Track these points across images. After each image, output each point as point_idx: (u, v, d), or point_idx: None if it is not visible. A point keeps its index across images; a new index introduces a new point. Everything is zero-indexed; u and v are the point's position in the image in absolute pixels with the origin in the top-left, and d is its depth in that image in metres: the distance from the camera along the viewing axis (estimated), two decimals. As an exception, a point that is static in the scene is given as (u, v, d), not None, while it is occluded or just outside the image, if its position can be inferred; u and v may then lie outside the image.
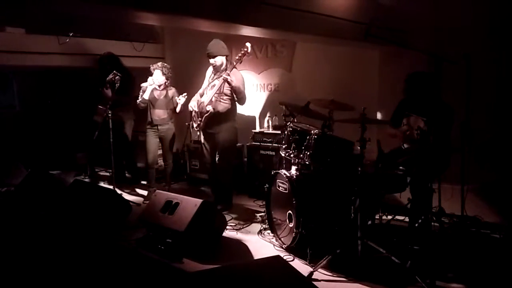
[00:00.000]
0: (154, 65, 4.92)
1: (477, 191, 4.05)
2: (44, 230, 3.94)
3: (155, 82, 4.85)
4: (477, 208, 4.00)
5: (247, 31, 4.14)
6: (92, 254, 3.48)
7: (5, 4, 4.51)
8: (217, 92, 4.36)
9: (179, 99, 4.85)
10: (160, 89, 4.95)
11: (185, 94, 4.84)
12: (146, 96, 4.85)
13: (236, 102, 4.48)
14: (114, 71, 4.97)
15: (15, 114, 6.91)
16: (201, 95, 4.59)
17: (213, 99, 4.38)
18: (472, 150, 3.77)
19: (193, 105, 4.58)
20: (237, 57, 4.21)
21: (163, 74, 4.88)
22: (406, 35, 4.29)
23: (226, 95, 4.41)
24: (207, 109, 4.40)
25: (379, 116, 4.70)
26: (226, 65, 4.43)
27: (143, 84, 4.88)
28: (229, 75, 4.21)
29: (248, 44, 4.19)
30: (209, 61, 4.45)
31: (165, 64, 4.98)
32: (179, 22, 4.15)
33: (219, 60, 4.40)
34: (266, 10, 3.54)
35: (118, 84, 4.94)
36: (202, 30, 4.49)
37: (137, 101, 4.92)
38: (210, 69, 4.60)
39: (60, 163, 6.47)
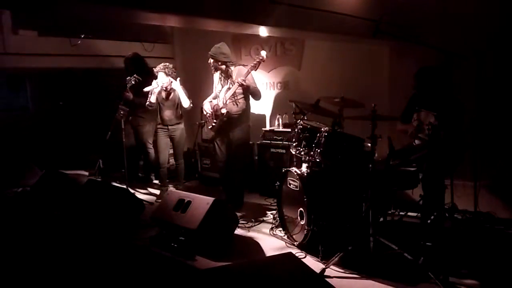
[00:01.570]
0: (157, 67, 4.99)
1: (490, 187, 4.01)
2: (59, 229, 4.01)
3: (159, 85, 4.92)
4: (490, 204, 3.97)
5: (257, 30, 4.16)
6: (106, 252, 3.53)
7: (18, 9, 4.59)
8: (232, 94, 4.42)
9: (173, 82, 4.91)
10: (168, 89, 5.01)
11: (179, 78, 4.93)
12: (153, 99, 4.93)
13: (251, 99, 4.56)
14: (135, 75, 5.06)
15: (29, 116, 7.02)
16: (215, 98, 4.64)
17: (228, 102, 4.43)
18: (485, 146, 3.74)
19: (206, 108, 4.63)
20: (252, 64, 4.26)
21: (167, 74, 4.94)
22: (415, 31, 4.26)
23: (240, 94, 4.47)
24: (222, 111, 4.45)
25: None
26: (227, 70, 4.48)
27: (146, 89, 4.96)
28: (244, 81, 4.27)
29: (263, 53, 4.25)
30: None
31: (167, 64, 5.02)
32: (189, 22, 4.18)
33: (215, 64, 4.46)
34: (275, 9, 3.55)
35: (129, 85, 5.02)
36: (212, 30, 4.53)
37: (146, 104, 4.99)
38: (217, 73, 4.65)
39: (74, 164, 6.55)
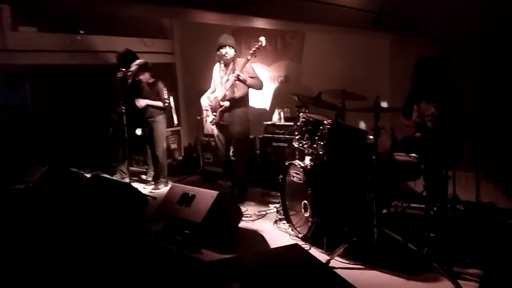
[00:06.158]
0: None
1: (491, 177, 4.04)
2: (64, 225, 4.02)
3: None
4: (491, 195, 4.00)
5: (257, 22, 4.15)
6: (112, 246, 3.55)
7: (19, 5, 4.58)
8: (231, 86, 4.40)
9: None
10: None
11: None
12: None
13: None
14: (123, 69, 5.06)
15: (28, 112, 7.01)
16: (212, 92, 4.66)
17: (227, 93, 4.42)
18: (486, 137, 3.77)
19: (205, 102, 4.64)
20: (251, 51, 4.20)
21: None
22: (416, 23, 4.27)
23: (239, 84, 4.43)
24: (221, 104, 4.44)
25: (385, 104, 4.57)
26: (233, 59, 4.46)
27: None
28: (239, 75, 4.26)
29: (262, 38, 4.17)
30: (216, 56, 4.49)
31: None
32: (188, 15, 4.17)
33: (231, 51, 4.43)
34: (275, 1, 3.55)
35: (131, 80, 5.02)
36: (211, 24, 4.52)
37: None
38: (217, 66, 4.64)
39: (75, 160, 6.55)
